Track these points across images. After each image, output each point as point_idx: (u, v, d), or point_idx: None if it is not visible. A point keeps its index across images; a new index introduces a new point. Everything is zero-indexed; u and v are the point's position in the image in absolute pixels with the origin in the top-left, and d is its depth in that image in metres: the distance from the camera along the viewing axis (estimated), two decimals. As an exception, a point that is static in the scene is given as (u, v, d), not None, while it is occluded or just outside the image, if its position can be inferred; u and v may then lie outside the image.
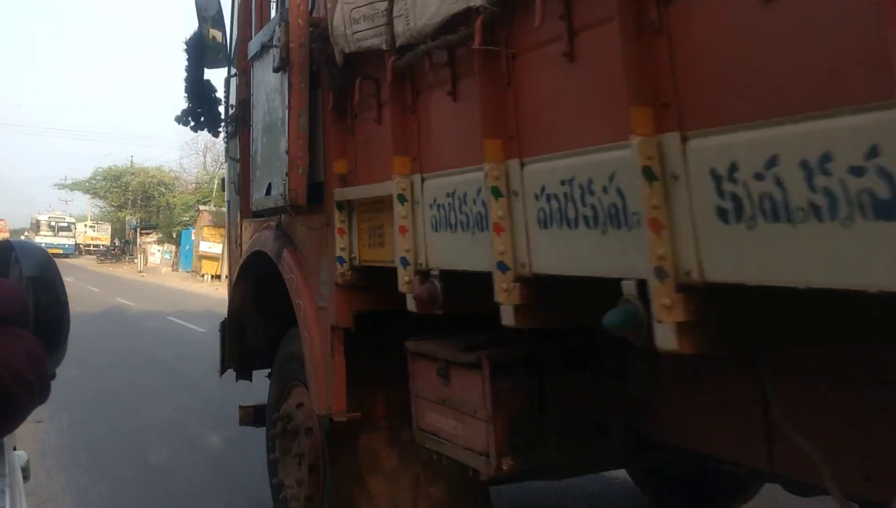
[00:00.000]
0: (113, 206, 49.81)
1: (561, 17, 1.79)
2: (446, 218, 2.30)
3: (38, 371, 1.26)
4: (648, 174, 1.55)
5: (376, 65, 2.58)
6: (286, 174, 2.96)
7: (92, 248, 49.75)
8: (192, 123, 4.15)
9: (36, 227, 49.35)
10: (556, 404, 2.48)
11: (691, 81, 1.53)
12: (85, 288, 23.19)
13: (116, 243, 49.19)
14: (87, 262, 45.21)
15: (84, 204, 55.99)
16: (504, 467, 2.38)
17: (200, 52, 4.08)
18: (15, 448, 1.70)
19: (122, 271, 38.98)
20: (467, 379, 2.48)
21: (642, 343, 1.62)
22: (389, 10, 2.43)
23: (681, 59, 1.54)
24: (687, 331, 1.54)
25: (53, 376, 1.41)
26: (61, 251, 43.85)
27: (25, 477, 1.72)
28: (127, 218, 47.15)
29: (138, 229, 42.40)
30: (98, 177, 48.28)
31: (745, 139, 1.40)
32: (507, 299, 1.98)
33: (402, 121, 2.49)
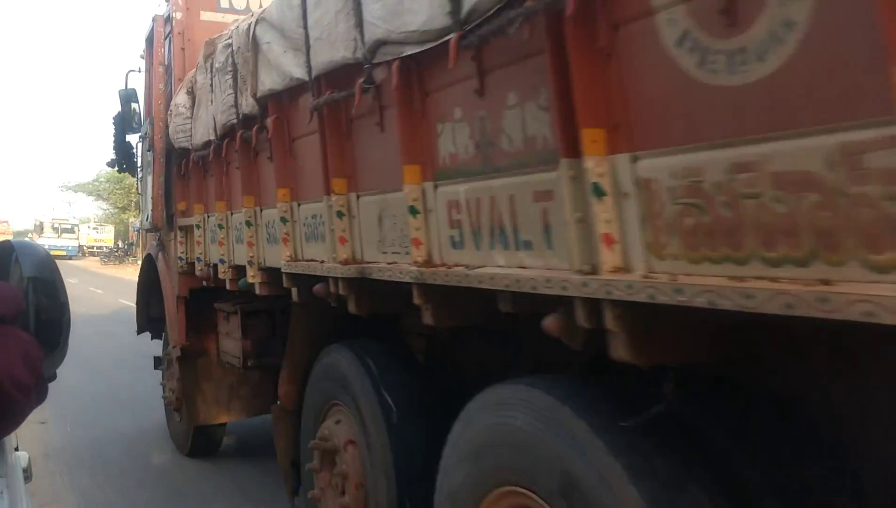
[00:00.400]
0: (116, 208, 50.22)
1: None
2: (213, 237, 4.59)
3: (35, 373, 1.25)
4: (247, 223, 3.82)
5: (189, 154, 4.86)
6: (151, 209, 5.29)
7: (95, 250, 49.56)
8: (117, 168, 6.50)
9: (39, 229, 48.57)
10: (281, 332, 4.76)
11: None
12: (88, 289, 23.03)
13: (120, 245, 48.92)
14: (91, 263, 43.63)
15: (87, 206, 56.54)
16: (249, 364, 4.67)
17: (123, 123, 6.37)
18: (17, 449, 1.70)
19: (125, 272, 37.41)
20: (234, 320, 4.77)
21: (258, 293, 3.89)
22: (190, 129, 4.71)
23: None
24: (263, 287, 3.81)
25: (54, 377, 1.42)
26: (65, 253, 43.44)
27: (27, 478, 1.72)
28: (130, 220, 47.75)
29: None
30: (101, 179, 49.18)
31: (268, 212, 3.67)
32: (253, 279, 4.27)
33: (199, 184, 4.79)
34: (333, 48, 2.64)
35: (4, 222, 36.97)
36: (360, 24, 2.41)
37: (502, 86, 1.92)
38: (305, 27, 2.83)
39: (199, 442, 5.63)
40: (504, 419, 2.03)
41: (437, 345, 3.34)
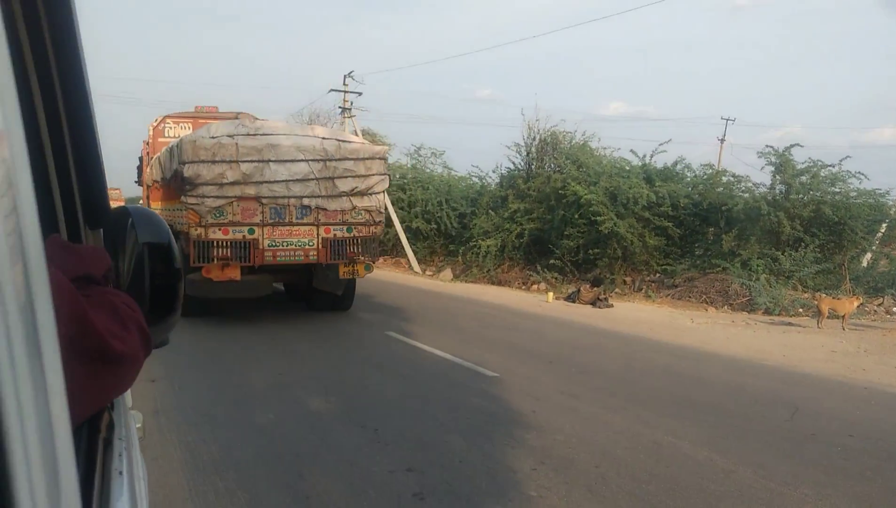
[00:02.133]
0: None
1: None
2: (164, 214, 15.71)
3: (138, 326, 1.24)
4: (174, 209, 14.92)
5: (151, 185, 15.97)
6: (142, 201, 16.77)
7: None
8: (138, 183, 17.82)
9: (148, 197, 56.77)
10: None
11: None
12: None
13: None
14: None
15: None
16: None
17: (140, 166, 17.72)
18: (131, 408, 1.79)
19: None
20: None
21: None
22: (149, 177, 15.75)
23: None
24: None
25: (167, 341, 1.48)
26: (175, 219, 49.75)
27: (141, 437, 1.78)
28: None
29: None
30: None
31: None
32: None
33: (153, 194, 15.93)
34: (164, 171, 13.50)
35: (117, 189, 38.12)
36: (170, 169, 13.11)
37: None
38: (161, 165, 13.64)
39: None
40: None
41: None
